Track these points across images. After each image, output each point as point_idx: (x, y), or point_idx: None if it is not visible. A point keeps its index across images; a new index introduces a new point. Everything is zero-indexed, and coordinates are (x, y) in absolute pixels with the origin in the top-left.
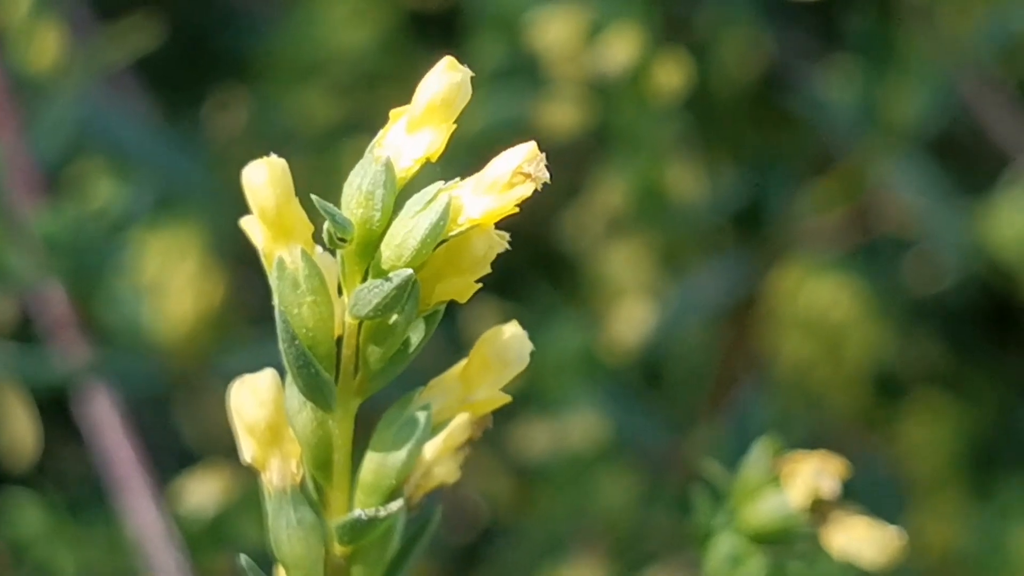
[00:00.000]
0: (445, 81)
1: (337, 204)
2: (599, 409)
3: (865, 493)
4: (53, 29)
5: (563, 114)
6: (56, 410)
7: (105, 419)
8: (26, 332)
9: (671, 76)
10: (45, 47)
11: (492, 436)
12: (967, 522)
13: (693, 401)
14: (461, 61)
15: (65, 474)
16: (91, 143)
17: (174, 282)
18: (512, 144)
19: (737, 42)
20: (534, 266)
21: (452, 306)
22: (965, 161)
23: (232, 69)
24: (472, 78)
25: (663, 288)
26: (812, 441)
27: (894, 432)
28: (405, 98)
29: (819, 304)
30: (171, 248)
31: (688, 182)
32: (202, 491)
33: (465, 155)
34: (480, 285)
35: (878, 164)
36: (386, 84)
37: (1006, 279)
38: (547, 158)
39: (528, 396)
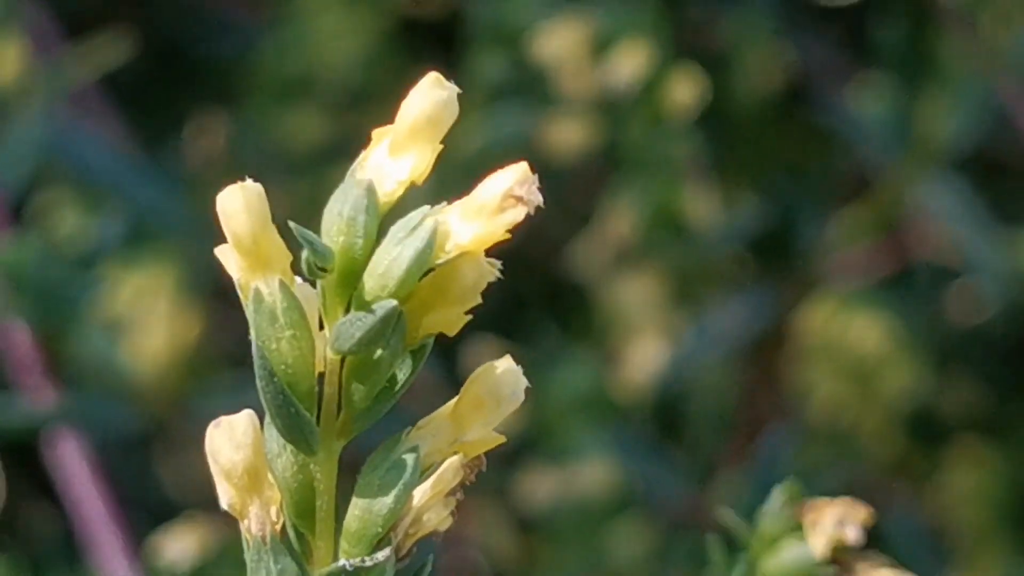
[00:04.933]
0: (430, 99)
1: (318, 231)
2: (610, 455)
3: (902, 546)
4: (14, 43)
5: (569, 133)
6: (22, 459)
7: (75, 469)
8: None
9: (685, 92)
10: (6, 63)
11: (494, 485)
12: None
13: (713, 446)
14: (455, 76)
15: (32, 529)
16: (57, 169)
17: (147, 319)
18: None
19: (760, 53)
20: (539, 299)
21: (451, 344)
22: (1008, 182)
23: (210, 85)
24: (471, 95)
25: (679, 323)
26: (844, 490)
27: (933, 480)
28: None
29: (851, 340)
30: (144, 282)
31: (705, 207)
32: (178, 545)
33: (464, 177)
34: (470, 317)
35: (913, 186)
36: (378, 101)
37: None
38: (553, 181)
39: (533, 441)
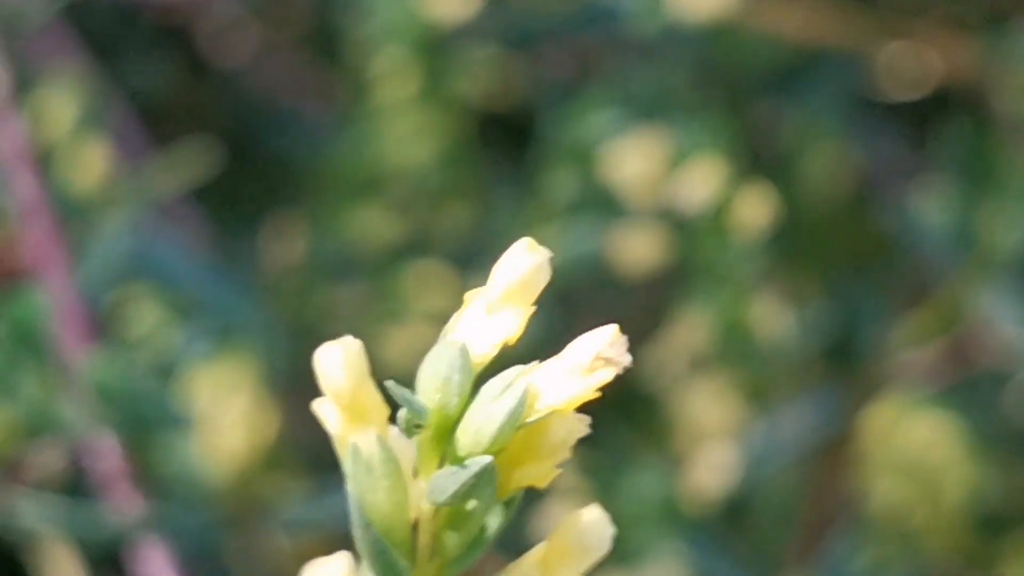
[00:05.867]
0: (524, 264)
1: (390, 329)
2: (680, 559)
3: None
4: (98, 148)
5: (642, 249)
6: (108, 568)
7: None
8: (77, 485)
9: (757, 210)
10: (89, 169)
11: None
12: None
13: (781, 546)
14: (526, 182)
15: None
16: (141, 276)
17: (225, 419)
18: (589, 282)
19: (824, 154)
20: (611, 407)
21: None
22: None
23: (284, 184)
24: (544, 208)
25: (748, 428)
26: None
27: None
28: (469, 214)
29: (915, 443)
30: (222, 382)
31: (775, 316)
32: None
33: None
34: (560, 471)
35: (977, 293)
36: (450, 199)
37: None
38: (623, 291)
39: None
